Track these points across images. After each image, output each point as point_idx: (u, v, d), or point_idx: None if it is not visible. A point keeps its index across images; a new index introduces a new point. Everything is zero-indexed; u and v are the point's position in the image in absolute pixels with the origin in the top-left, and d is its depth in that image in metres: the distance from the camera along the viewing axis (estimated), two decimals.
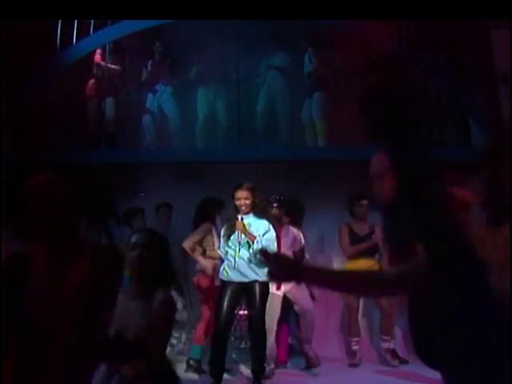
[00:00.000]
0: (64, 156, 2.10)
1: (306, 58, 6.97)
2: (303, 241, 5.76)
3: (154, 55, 7.18)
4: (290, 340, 6.05)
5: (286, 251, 5.37)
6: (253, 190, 5.06)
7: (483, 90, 6.91)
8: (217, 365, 4.89)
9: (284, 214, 5.69)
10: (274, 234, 5.05)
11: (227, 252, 5.02)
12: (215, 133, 7.03)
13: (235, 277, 4.94)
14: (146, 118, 7.11)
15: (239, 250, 4.94)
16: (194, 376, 5.39)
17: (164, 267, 2.68)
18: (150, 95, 7.18)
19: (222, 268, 5.07)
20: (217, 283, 5.27)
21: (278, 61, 6.97)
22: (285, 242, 5.51)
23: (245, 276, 4.91)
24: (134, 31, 6.47)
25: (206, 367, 5.25)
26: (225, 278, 5.00)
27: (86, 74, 6.97)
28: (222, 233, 5.14)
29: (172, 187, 6.21)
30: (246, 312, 5.80)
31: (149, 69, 7.12)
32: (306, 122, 6.91)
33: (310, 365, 5.56)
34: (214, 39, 6.66)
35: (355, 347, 5.95)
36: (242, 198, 5.03)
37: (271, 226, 5.05)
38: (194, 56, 7.00)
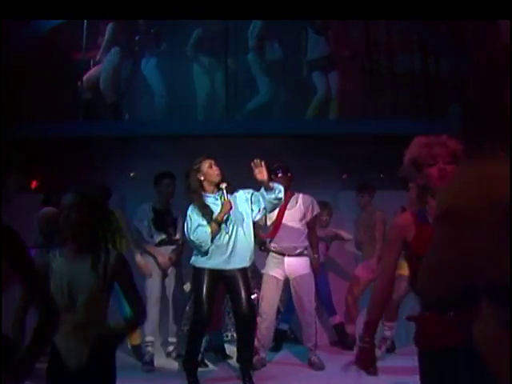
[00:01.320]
0: None
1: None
2: (317, 207, 5.15)
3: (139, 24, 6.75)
4: (282, 326, 5.66)
5: (295, 224, 4.97)
6: (215, 160, 4.56)
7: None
8: (191, 362, 4.54)
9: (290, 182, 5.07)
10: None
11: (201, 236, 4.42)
12: (203, 106, 6.64)
13: (213, 263, 4.43)
14: (131, 89, 6.74)
15: (228, 231, 4.44)
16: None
17: (96, 229, 2.59)
18: (133, 65, 6.73)
19: (196, 254, 4.51)
20: None
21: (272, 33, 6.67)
22: (293, 215, 5.00)
23: (225, 263, 4.43)
24: None
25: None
26: (199, 265, 4.48)
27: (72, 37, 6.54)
28: (194, 213, 4.48)
29: (156, 162, 5.78)
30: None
31: (134, 38, 6.71)
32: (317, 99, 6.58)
33: (312, 368, 5.10)
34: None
35: (388, 333, 5.35)
36: (212, 162, 4.48)
37: (247, 191, 4.57)
38: (179, 27, 6.58)
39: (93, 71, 6.52)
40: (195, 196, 4.48)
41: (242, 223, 4.44)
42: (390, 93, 6.97)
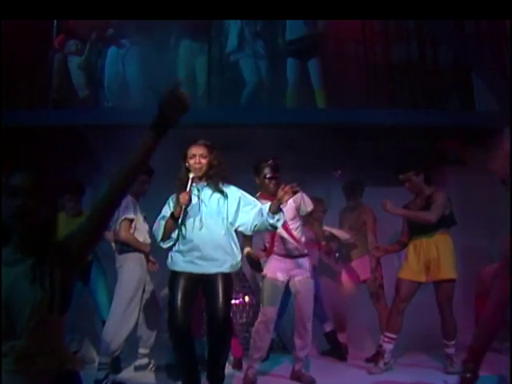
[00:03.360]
0: None
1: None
2: (309, 202, 4.72)
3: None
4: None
5: (291, 225, 4.60)
6: (211, 149, 4.04)
7: (490, 46, 6.19)
8: (189, 378, 3.95)
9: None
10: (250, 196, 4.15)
11: (179, 234, 3.97)
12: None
13: (191, 267, 3.91)
14: (108, 76, 6.26)
15: (199, 233, 3.90)
16: None
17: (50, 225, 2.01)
18: (112, 50, 6.30)
19: (171, 255, 4.01)
20: None
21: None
22: (287, 215, 4.45)
23: (205, 266, 3.90)
24: None
25: None
26: (176, 268, 3.96)
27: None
28: (169, 202, 4.07)
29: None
30: (244, 300, 5.28)
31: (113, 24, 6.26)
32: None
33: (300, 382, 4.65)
34: None
35: (389, 346, 4.89)
36: (198, 154, 3.98)
37: (237, 189, 4.09)
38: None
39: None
40: (177, 184, 4.01)
41: (216, 223, 3.93)
42: (385, 83, 6.61)
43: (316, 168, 5.94)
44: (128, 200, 4.70)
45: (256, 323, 4.57)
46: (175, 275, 3.92)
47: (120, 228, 4.64)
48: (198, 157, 3.95)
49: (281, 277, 4.57)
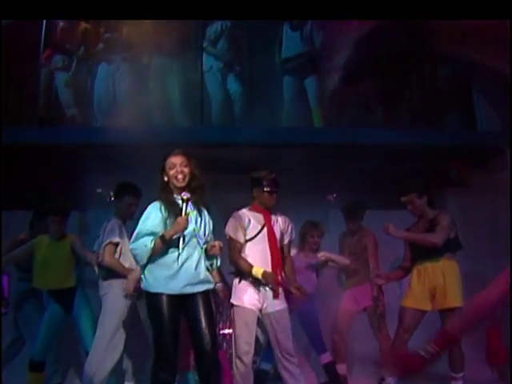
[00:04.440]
0: None
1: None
2: (293, 232, 4.47)
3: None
4: (263, 365, 4.90)
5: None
6: (189, 156, 3.75)
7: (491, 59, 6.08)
8: None
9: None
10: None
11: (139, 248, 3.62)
12: (175, 113, 6.05)
13: (171, 288, 3.57)
14: (97, 94, 6.05)
15: (181, 250, 3.59)
16: None
17: None
18: (102, 67, 6.11)
19: (146, 276, 3.64)
20: None
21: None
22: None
23: (185, 287, 3.59)
24: None
25: None
26: (156, 290, 3.59)
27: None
28: (154, 211, 3.69)
29: (124, 172, 5.07)
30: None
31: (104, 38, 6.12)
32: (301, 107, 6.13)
33: None
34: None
35: (390, 380, 4.62)
36: (178, 163, 3.68)
37: (211, 223, 3.83)
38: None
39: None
40: (163, 194, 3.70)
41: (196, 241, 3.66)
42: (384, 103, 6.46)
43: (313, 189, 5.72)
44: (114, 223, 4.45)
45: (233, 358, 4.20)
46: (155, 298, 3.58)
47: (104, 252, 4.38)
48: (178, 166, 3.66)
49: (254, 306, 4.15)
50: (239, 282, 4.22)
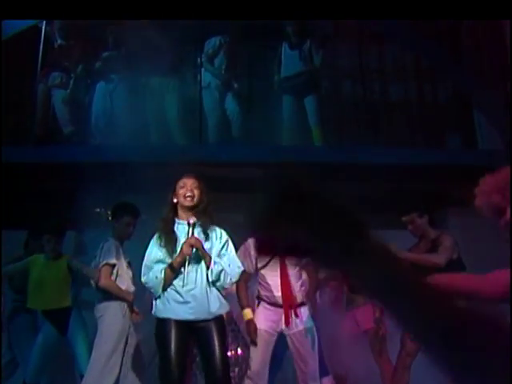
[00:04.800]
0: None
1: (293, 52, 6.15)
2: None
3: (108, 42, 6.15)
4: None
5: (292, 269, 4.19)
6: (201, 180, 3.78)
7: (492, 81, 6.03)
8: None
9: None
10: (233, 248, 3.76)
11: (151, 281, 3.61)
12: (173, 131, 5.98)
13: (180, 314, 3.53)
14: (95, 112, 5.98)
15: (186, 275, 3.54)
16: None
17: None
18: (100, 85, 6.05)
19: (156, 302, 3.65)
20: None
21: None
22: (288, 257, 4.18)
23: (195, 313, 3.54)
24: None
25: None
26: (164, 316, 3.58)
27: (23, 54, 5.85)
28: (154, 245, 3.71)
29: (121, 191, 5.00)
30: (237, 352, 4.74)
31: (102, 57, 6.06)
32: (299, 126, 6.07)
33: None
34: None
35: None
36: (189, 183, 3.71)
37: (225, 233, 3.74)
38: (150, 46, 5.83)
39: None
40: (163, 223, 3.70)
41: (204, 265, 3.60)
42: (383, 122, 6.42)
43: None
44: (110, 243, 4.37)
45: (245, 380, 4.15)
46: (164, 324, 3.55)
47: (100, 274, 4.30)
48: (189, 185, 3.68)
49: (271, 329, 4.11)
50: (258, 304, 4.21)
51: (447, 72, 6.11)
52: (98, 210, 5.98)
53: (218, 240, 3.68)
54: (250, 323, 4.05)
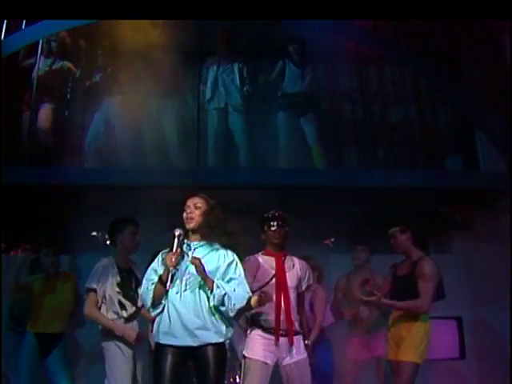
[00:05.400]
0: None
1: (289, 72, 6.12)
2: (312, 275, 4.23)
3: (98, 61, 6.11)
4: None
5: (291, 292, 3.96)
6: (209, 202, 3.59)
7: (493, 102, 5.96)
8: None
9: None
10: (242, 271, 3.54)
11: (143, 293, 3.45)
12: (171, 154, 5.85)
13: (177, 338, 3.34)
14: (89, 134, 5.87)
15: (184, 298, 3.37)
16: None
17: None
18: (95, 107, 5.95)
19: (154, 325, 3.44)
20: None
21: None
22: (290, 279, 4.00)
23: (193, 336, 3.33)
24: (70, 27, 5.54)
25: None
26: (160, 341, 3.39)
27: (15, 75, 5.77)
28: (157, 261, 3.54)
29: (117, 214, 4.89)
30: (235, 380, 4.61)
31: (94, 76, 5.98)
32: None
33: None
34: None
35: None
36: (192, 203, 3.55)
37: (235, 256, 3.54)
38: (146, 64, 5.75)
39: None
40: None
41: (203, 288, 3.40)
42: (383, 144, 6.35)
43: (312, 233, 5.53)
44: (99, 264, 4.19)
45: None
46: (161, 349, 3.37)
47: (85, 301, 4.12)
48: (191, 207, 3.53)
49: (267, 358, 3.83)
50: (251, 331, 3.94)
51: (448, 93, 6.03)
52: (95, 233, 5.88)
53: (224, 262, 3.49)
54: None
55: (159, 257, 3.51)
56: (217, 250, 3.51)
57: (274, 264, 3.99)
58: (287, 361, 3.87)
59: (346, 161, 6.22)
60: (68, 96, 6.05)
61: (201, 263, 3.38)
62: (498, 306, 5.47)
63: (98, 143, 5.81)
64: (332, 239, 5.92)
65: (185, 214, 3.52)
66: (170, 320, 3.35)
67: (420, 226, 5.70)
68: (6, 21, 5.57)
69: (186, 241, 3.50)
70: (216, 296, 3.35)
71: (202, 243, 3.51)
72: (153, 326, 3.48)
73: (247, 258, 4.00)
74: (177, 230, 3.44)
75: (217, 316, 3.39)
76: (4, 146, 5.34)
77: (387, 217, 5.40)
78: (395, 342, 4.28)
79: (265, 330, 3.88)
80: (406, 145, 6.40)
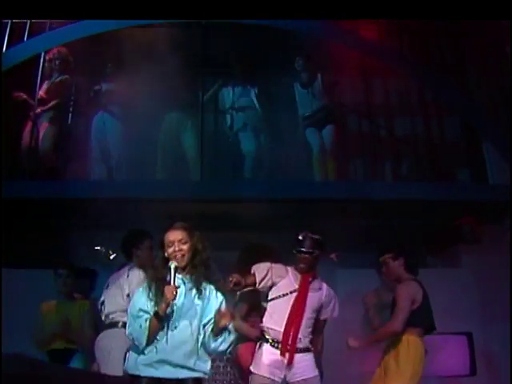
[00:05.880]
0: None
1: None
2: (337, 309, 4.07)
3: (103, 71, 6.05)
4: None
5: (309, 312, 3.86)
6: (191, 231, 3.39)
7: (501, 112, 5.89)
8: None
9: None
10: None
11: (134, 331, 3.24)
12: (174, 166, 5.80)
13: (156, 372, 3.15)
14: (93, 146, 5.84)
15: (172, 328, 3.20)
16: None
17: None
18: (97, 119, 5.90)
19: (133, 355, 3.26)
20: None
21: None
22: (312, 300, 3.90)
23: (178, 369, 3.17)
24: (74, 38, 5.49)
25: None
26: (136, 372, 3.20)
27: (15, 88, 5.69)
28: (141, 293, 3.35)
29: (118, 229, 4.80)
30: None
31: (96, 88, 5.91)
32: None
33: None
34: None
35: None
36: (176, 239, 3.31)
37: (220, 294, 3.36)
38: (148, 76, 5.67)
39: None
40: (150, 270, 3.40)
41: (191, 324, 3.24)
42: (390, 157, 6.28)
43: None
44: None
45: None
46: (135, 380, 3.20)
47: None
48: (176, 243, 3.31)
49: (274, 375, 3.74)
50: (259, 346, 3.86)
51: (454, 104, 5.96)
52: (99, 247, 5.79)
53: (215, 299, 3.33)
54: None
55: (142, 293, 3.31)
56: (205, 286, 3.33)
57: (298, 281, 3.92)
58: (296, 378, 3.77)
59: (351, 174, 6.14)
60: (70, 109, 5.97)
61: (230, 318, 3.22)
62: (507, 320, 5.36)
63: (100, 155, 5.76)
64: (336, 254, 5.79)
65: (170, 250, 3.30)
66: (151, 353, 3.18)
67: (429, 240, 5.63)
68: (7, 33, 5.55)
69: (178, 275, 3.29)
70: (222, 338, 3.23)
71: (191, 275, 3.33)
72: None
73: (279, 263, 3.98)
74: (172, 262, 3.25)
75: (205, 350, 3.27)
76: (5, 160, 5.30)
77: (395, 230, 5.34)
78: (384, 368, 4.14)
79: (272, 344, 3.80)
80: (412, 157, 6.33)
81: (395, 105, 6.63)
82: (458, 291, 5.25)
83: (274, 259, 4.09)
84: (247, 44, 6.14)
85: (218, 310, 3.22)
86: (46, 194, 5.06)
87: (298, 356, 3.79)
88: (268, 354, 3.80)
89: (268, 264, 3.95)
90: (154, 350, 3.17)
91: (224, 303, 3.32)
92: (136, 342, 3.20)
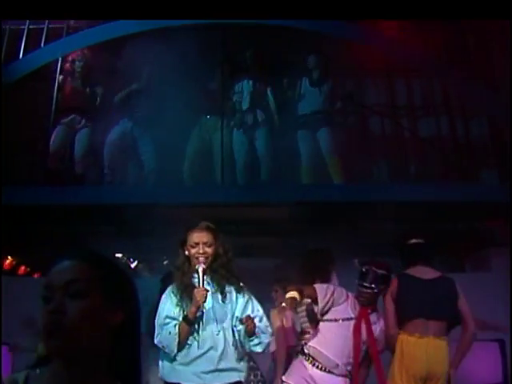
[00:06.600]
0: None
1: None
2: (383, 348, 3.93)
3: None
4: None
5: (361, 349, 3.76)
6: (216, 233, 3.34)
7: None
8: None
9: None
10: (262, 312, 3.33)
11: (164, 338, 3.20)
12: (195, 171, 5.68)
13: (190, 376, 3.13)
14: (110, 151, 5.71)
15: (202, 332, 3.15)
16: None
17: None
18: (123, 122, 5.80)
19: (164, 363, 3.23)
20: None
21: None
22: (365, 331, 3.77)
23: (208, 373, 3.13)
24: (95, 42, 5.52)
25: None
26: (172, 380, 3.18)
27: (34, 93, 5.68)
28: (168, 299, 3.30)
29: (136, 235, 4.72)
30: None
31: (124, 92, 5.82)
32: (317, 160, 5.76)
33: None
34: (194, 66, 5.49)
35: None
36: (201, 242, 3.27)
37: (249, 296, 3.33)
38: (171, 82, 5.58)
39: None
40: (178, 274, 3.32)
41: (228, 325, 3.22)
42: (414, 158, 6.13)
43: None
44: None
45: None
46: None
47: None
48: (201, 245, 3.26)
49: None
50: (296, 355, 3.79)
51: (480, 103, 5.80)
52: (120, 255, 5.71)
53: (241, 298, 3.30)
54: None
55: (166, 299, 3.27)
56: (228, 288, 3.30)
57: (357, 311, 3.78)
58: None
59: (375, 176, 6.00)
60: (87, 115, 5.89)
61: (253, 322, 3.16)
62: None
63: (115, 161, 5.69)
64: (356, 260, 5.64)
65: (193, 251, 3.26)
66: (184, 358, 3.15)
67: (457, 243, 5.46)
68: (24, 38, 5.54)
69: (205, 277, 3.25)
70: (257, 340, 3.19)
71: (210, 280, 3.29)
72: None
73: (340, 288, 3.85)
74: (199, 265, 3.21)
75: (240, 354, 3.23)
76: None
77: (422, 233, 5.17)
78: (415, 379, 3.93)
79: (312, 362, 3.68)
80: (438, 158, 6.17)
81: (419, 105, 6.49)
82: (489, 296, 5.08)
83: (334, 264, 4.08)
84: (265, 45, 6.04)
85: (240, 318, 3.17)
86: (71, 200, 5.02)
87: (330, 377, 3.68)
88: (302, 365, 3.71)
89: (331, 287, 3.82)
90: (187, 356, 3.14)
91: (250, 304, 3.29)
92: (167, 350, 3.16)
